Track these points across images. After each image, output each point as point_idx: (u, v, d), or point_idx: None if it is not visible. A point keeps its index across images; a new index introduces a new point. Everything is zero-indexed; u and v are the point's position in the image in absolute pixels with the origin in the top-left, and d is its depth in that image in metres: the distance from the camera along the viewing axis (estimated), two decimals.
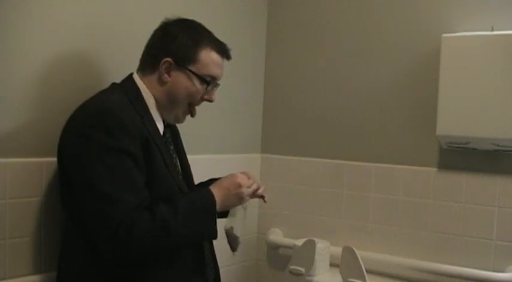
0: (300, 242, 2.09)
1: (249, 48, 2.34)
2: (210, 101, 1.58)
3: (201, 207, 1.44)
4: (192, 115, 1.61)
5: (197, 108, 1.61)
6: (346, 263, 1.94)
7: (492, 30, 1.84)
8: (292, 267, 2.06)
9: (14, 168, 1.49)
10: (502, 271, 1.86)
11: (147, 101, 1.50)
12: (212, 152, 2.17)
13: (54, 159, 1.51)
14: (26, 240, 1.53)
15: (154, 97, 1.52)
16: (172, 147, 1.61)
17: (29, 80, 1.53)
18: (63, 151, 1.44)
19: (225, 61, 1.59)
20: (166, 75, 1.50)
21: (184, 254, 1.48)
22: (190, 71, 1.50)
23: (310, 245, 2.04)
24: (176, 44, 1.50)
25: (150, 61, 1.52)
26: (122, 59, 1.70)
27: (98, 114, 1.38)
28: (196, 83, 1.52)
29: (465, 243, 1.94)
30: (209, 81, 1.54)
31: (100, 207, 1.32)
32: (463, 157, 1.95)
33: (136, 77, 1.53)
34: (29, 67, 1.53)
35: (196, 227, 1.42)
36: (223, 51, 1.56)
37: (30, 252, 1.54)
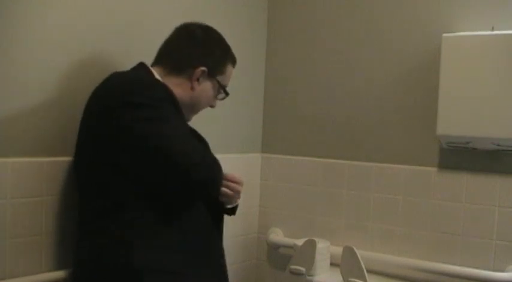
0: (300, 242, 2.09)
1: (249, 48, 2.34)
2: (213, 107, 1.71)
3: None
4: None
5: None
6: (347, 262, 1.95)
7: (492, 30, 1.84)
8: (292, 267, 2.07)
9: (14, 168, 1.50)
10: (502, 271, 1.86)
11: None
12: (212, 151, 2.16)
13: (55, 159, 1.52)
14: (26, 240, 1.53)
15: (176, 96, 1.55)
16: None
17: (30, 81, 1.53)
18: (114, 126, 1.41)
19: None
20: (196, 82, 1.58)
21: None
22: (218, 81, 1.62)
23: (311, 245, 2.04)
24: (212, 55, 1.61)
25: (181, 64, 1.58)
26: (124, 59, 1.70)
27: (144, 84, 1.47)
28: (215, 92, 1.64)
29: (465, 243, 1.94)
30: (227, 92, 1.67)
31: (184, 147, 1.44)
32: (464, 157, 1.95)
33: (153, 70, 1.56)
34: (29, 68, 1.53)
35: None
36: (235, 63, 1.70)
37: (31, 252, 1.54)
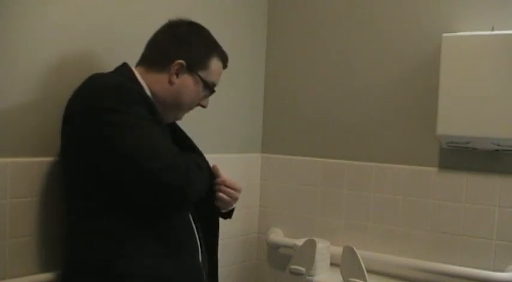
0: (300, 242, 2.09)
1: (249, 48, 2.34)
2: (204, 106, 1.65)
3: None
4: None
5: (197, 108, 1.64)
6: (347, 262, 1.95)
7: (492, 30, 1.84)
8: (292, 267, 2.07)
9: (14, 168, 1.49)
10: (502, 271, 1.86)
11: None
12: (212, 151, 2.15)
13: (55, 159, 1.51)
14: (26, 240, 1.53)
15: (157, 94, 1.52)
16: None
17: (30, 80, 1.54)
18: (86, 134, 1.39)
19: None
20: (175, 77, 1.53)
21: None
22: (199, 76, 1.55)
23: (311, 245, 2.04)
24: (191, 49, 1.54)
25: (160, 60, 1.54)
26: (124, 60, 1.70)
27: (115, 89, 1.40)
28: (200, 88, 1.57)
29: (465, 243, 1.94)
30: (212, 88, 1.60)
31: (152, 153, 1.35)
32: (464, 157, 1.95)
33: (135, 70, 1.53)
34: (29, 67, 1.53)
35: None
36: (226, 61, 1.63)
37: (30, 252, 1.54)
